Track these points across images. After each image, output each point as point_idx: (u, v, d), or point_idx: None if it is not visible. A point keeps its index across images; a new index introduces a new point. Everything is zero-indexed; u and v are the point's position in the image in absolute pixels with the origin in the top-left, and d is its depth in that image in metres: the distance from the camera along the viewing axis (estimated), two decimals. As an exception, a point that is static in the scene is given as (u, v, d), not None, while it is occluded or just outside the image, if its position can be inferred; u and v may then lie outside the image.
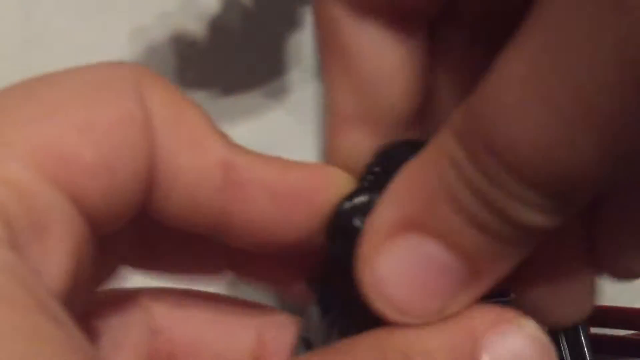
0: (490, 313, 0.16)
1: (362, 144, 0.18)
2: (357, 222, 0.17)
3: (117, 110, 0.15)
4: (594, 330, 0.47)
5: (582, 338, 0.35)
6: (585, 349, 0.35)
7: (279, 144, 0.71)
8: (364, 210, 0.17)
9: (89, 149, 0.14)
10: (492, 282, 0.16)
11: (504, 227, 0.14)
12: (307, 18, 0.65)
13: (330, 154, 0.19)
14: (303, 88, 0.66)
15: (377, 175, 0.18)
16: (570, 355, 0.35)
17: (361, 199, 0.17)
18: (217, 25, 0.62)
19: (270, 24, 0.65)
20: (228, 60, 0.64)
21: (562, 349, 0.35)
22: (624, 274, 0.19)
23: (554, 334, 0.35)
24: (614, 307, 0.53)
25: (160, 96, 0.16)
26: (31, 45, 0.60)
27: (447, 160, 0.15)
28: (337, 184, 0.18)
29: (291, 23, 0.65)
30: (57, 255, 0.14)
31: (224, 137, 0.17)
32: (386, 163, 0.18)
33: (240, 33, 0.64)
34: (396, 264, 0.15)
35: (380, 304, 0.16)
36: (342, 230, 0.17)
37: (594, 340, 0.35)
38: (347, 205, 0.18)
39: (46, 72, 0.15)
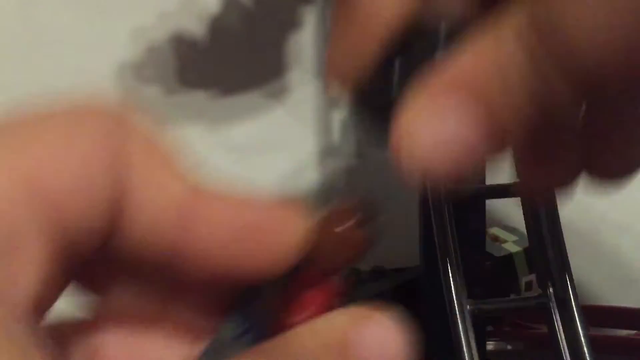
0: (353, 311, 0.17)
1: None
2: (389, 98, 0.18)
3: (89, 144, 0.17)
4: (593, 330, 0.47)
5: (582, 338, 0.35)
6: (585, 349, 0.35)
7: (279, 143, 0.71)
8: (395, 87, 0.18)
9: (62, 175, 0.16)
10: (507, 147, 0.18)
11: (538, 104, 0.16)
12: (307, 18, 0.65)
13: (351, 13, 0.20)
14: (303, 88, 0.66)
15: (405, 51, 0.19)
16: (569, 355, 0.35)
17: (392, 74, 0.18)
18: (217, 26, 0.62)
19: (270, 24, 0.65)
20: (228, 60, 0.64)
21: (562, 348, 0.35)
22: (606, 174, 0.22)
23: (553, 332, 0.35)
24: (614, 307, 0.53)
25: (134, 133, 0.17)
26: (31, 45, 0.61)
27: (511, 33, 0.16)
28: (295, 226, 0.19)
29: (291, 23, 0.65)
30: (28, 273, 0.15)
31: (187, 176, 0.18)
32: (407, 51, 0.19)
33: (240, 33, 0.64)
34: (433, 116, 0.17)
35: (406, 152, 0.17)
36: (373, 106, 0.19)
37: (593, 340, 0.35)
38: (380, 82, 0.18)
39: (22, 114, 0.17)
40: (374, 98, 0.19)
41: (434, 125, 0.17)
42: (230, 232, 0.18)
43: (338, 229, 0.19)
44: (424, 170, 0.18)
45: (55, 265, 0.16)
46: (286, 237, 0.18)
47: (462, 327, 0.34)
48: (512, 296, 0.54)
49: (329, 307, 0.19)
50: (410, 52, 0.19)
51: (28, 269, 0.15)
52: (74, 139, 0.16)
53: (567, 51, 0.15)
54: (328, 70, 0.21)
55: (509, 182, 0.39)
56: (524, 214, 0.38)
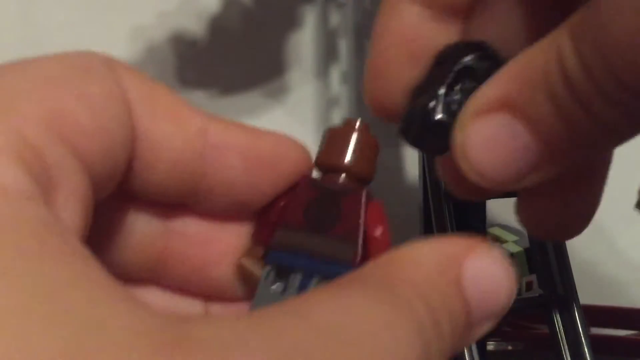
0: (466, 241, 0.18)
1: (421, 21, 0.20)
2: (443, 117, 0.19)
3: (100, 87, 0.17)
4: (594, 330, 0.47)
5: (583, 338, 0.35)
6: (586, 349, 0.35)
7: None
8: (446, 106, 0.19)
9: (85, 113, 0.16)
10: (561, 169, 0.18)
11: (587, 123, 0.16)
12: (307, 18, 0.65)
13: (386, 31, 0.20)
14: (303, 88, 0.66)
15: (447, 72, 0.19)
16: (570, 356, 0.35)
17: (441, 93, 0.19)
18: (217, 25, 0.62)
19: (270, 24, 0.64)
20: (228, 60, 0.63)
21: (563, 349, 0.35)
22: None
23: (554, 333, 0.35)
24: (614, 307, 0.53)
25: (134, 78, 0.18)
26: (30, 44, 0.60)
27: (554, 52, 0.16)
28: (297, 155, 0.20)
29: (291, 23, 0.65)
30: (69, 209, 0.15)
31: (198, 109, 0.19)
32: (454, 60, 0.19)
33: (240, 33, 0.64)
34: (485, 134, 0.18)
35: (464, 164, 0.18)
36: (428, 126, 0.19)
37: (594, 340, 0.35)
38: (432, 101, 0.19)
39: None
40: (422, 117, 0.19)
41: (485, 145, 0.18)
42: (243, 159, 0.19)
43: (357, 133, 0.20)
44: (482, 181, 0.18)
45: (89, 201, 0.16)
46: (284, 170, 0.19)
47: (463, 328, 0.34)
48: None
49: (386, 225, 0.20)
50: (457, 74, 0.19)
51: (71, 205, 0.15)
52: (86, 81, 0.17)
53: (613, 50, 0.15)
54: (369, 102, 0.21)
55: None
56: (524, 214, 0.38)
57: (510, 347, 0.53)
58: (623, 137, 0.17)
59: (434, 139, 0.19)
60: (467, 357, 0.33)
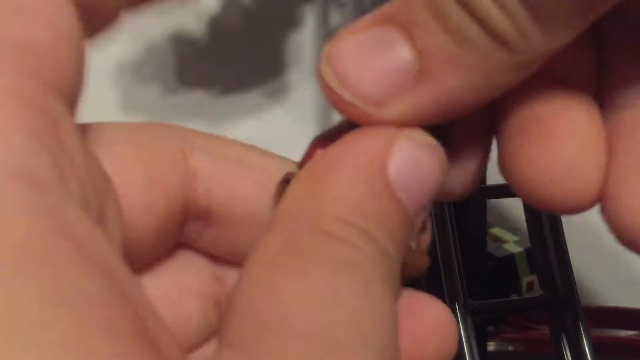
0: (383, 134, 0.16)
1: None
2: None
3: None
4: (595, 331, 0.47)
5: (584, 339, 0.35)
6: (587, 350, 0.35)
7: (278, 143, 0.71)
8: None
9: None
10: (439, 96, 0.16)
11: (471, 29, 0.15)
12: (307, 18, 0.65)
13: None
14: (303, 88, 0.66)
15: None
16: (571, 356, 0.35)
17: None
18: (217, 25, 0.62)
19: (270, 24, 0.64)
20: (228, 60, 0.63)
21: (564, 349, 0.35)
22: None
23: (555, 333, 0.35)
24: (614, 308, 0.53)
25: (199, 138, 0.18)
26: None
27: None
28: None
29: (291, 23, 0.65)
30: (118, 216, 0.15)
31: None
32: None
33: (240, 33, 0.63)
34: (356, 42, 0.16)
35: (327, 73, 0.16)
36: None
37: (595, 341, 0.35)
38: None
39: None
40: None
41: (353, 51, 0.16)
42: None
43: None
44: (343, 99, 0.16)
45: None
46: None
47: (463, 328, 0.34)
48: (513, 297, 0.54)
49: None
50: None
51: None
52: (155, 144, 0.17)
53: None
54: None
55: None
56: (525, 214, 0.38)
57: (511, 348, 0.53)
58: (516, 54, 0.15)
59: None
60: (467, 358, 0.33)
